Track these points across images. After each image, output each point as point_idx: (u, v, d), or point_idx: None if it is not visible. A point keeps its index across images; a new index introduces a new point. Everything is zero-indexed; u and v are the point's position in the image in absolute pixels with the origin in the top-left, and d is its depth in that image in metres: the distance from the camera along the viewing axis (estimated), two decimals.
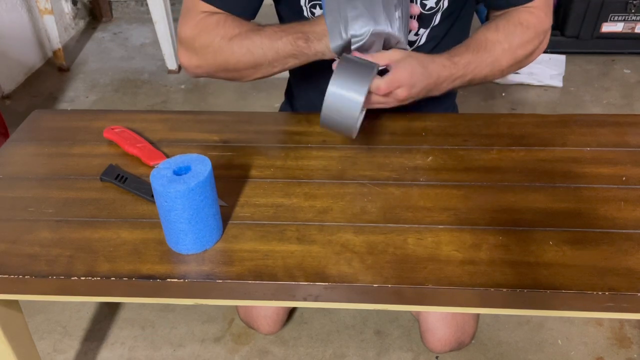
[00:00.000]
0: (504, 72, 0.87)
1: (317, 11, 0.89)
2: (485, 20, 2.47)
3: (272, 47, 0.81)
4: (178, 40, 0.89)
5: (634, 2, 2.28)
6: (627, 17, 2.33)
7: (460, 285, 0.63)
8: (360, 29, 0.74)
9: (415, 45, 0.94)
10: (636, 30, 2.37)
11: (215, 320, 1.35)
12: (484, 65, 0.83)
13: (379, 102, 0.79)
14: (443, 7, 0.88)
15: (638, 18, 2.33)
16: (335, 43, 0.76)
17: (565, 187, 0.77)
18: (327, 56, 0.80)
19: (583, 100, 2.21)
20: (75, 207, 0.76)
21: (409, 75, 0.77)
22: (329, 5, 0.76)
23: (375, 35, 0.75)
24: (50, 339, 1.31)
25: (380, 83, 0.76)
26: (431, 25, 0.91)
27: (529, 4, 0.86)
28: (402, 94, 0.78)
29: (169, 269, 0.66)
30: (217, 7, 0.85)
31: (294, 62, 0.83)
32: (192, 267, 0.67)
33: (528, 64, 0.90)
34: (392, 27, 0.75)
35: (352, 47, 0.76)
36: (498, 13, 0.90)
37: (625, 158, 0.83)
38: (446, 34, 0.95)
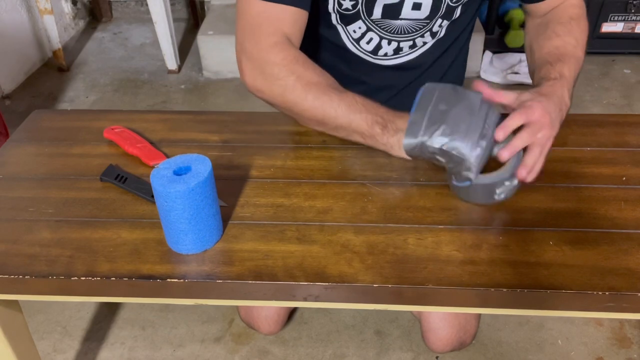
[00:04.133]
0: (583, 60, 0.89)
1: (345, 2, 0.88)
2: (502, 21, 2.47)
3: (347, 117, 0.78)
4: (241, 51, 0.83)
5: (634, 2, 2.28)
6: (627, 17, 2.33)
7: (461, 285, 0.63)
8: (439, 144, 0.70)
9: (437, 37, 0.95)
10: (636, 30, 2.37)
11: (215, 320, 1.35)
12: (573, 67, 0.83)
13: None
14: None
15: (638, 18, 2.33)
16: (410, 141, 0.73)
17: (565, 187, 0.77)
18: (392, 153, 0.79)
19: (583, 100, 2.21)
20: (75, 207, 0.76)
21: (542, 109, 0.72)
22: (420, 104, 0.73)
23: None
24: (50, 339, 1.31)
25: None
26: (453, 19, 0.92)
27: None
28: (545, 132, 0.72)
29: (169, 269, 0.66)
30: (278, 2, 0.80)
31: (358, 139, 0.81)
32: (192, 267, 0.67)
33: None
34: (472, 155, 0.70)
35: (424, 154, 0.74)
36: (540, 13, 0.93)
37: (625, 158, 0.83)
38: (464, 29, 0.98)
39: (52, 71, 2.53)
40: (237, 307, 1.27)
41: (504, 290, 0.62)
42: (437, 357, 1.25)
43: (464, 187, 0.73)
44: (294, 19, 0.83)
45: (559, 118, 0.76)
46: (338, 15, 0.92)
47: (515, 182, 0.72)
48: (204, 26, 2.45)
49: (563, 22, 0.89)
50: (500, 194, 0.72)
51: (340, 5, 0.89)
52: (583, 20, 0.90)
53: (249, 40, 0.82)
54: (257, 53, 0.81)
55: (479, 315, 1.11)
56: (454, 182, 0.74)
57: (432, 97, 0.74)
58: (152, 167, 0.82)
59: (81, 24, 2.94)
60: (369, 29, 0.93)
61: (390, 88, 1.02)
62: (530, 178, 0.72)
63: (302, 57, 0.82)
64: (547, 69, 0.82)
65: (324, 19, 0.94)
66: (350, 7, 0.89)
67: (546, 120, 0.72)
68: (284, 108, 0.84)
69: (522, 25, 1.95)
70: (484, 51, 2.40)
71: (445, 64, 1.02)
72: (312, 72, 0.81)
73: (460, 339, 1.06)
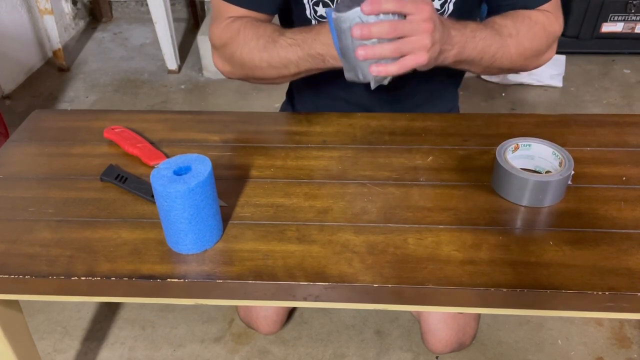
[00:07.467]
0: (512, 63, 0.84)
1: (320, 9, 0.89)
2: None
3: (291, 61, 0.82)
4: (211, 44, 0.91)
5: (634, 2, 2.28)
6: (627, 17, 2.33)
7: (460, 285, 0.63)
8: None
9: None
10: (636, 30, 2.37)
11: (215, 320, 1.35)
12: (492, 41, 0.79)
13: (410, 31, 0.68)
14: (448, 10, 0.88)
15: (638, 18, 2.33)
16: (350, 79, 0.77)
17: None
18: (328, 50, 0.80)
19: (583, 100, 2.21)
20: (75, 207, 0.76)
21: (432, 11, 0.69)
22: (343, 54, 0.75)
23: None
24: (50, 339, 1.32)
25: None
26: None
27: (538, 8, 0.85)
28: (428, 26, 0.68)
29: (169, 269, 0.66)
30: (239, 6, 0.87)
31: (315, 72, 0.85)
32: (192, 267, 0.67)
33: (534, 66, 0.88)
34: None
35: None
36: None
37: (625, 158, 0.83)
38: None
39: (52, 71, 2.53)
40: (236, 307, 1.27)
41: (504, 290, 0.62)
42: (437, 357, 1.25)
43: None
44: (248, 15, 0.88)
45: (439, 43, 0.72)
46: (317, 23, 0.92)
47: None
48: (204, 26, 2.45)
49: (519, 14, 0.84)
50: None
51: (315, 11, 0.90)
52: (540, 27, 0.84)
53: (210, 32, 0.90)
54: (214, 39, 0.89)
55: (478, 316, 1.11)
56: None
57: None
58: (152, 167, 0.82)
59: (81, 24, 2.94)
60: None
61: (381, 92, 1.00)
62: (363, 49, 0.68)
63: (242, 25, 0.85)
64: (464, 22, 0.78)
65: (307, 24, 0.93)
66: (325, 14, 0.89)
67: (428, 25, 0.68)
68: (253, 79, 0.89)
69: None
70: None
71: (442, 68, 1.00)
72: (249, 37, 0.84)
73: (460, 340, 1.06)
